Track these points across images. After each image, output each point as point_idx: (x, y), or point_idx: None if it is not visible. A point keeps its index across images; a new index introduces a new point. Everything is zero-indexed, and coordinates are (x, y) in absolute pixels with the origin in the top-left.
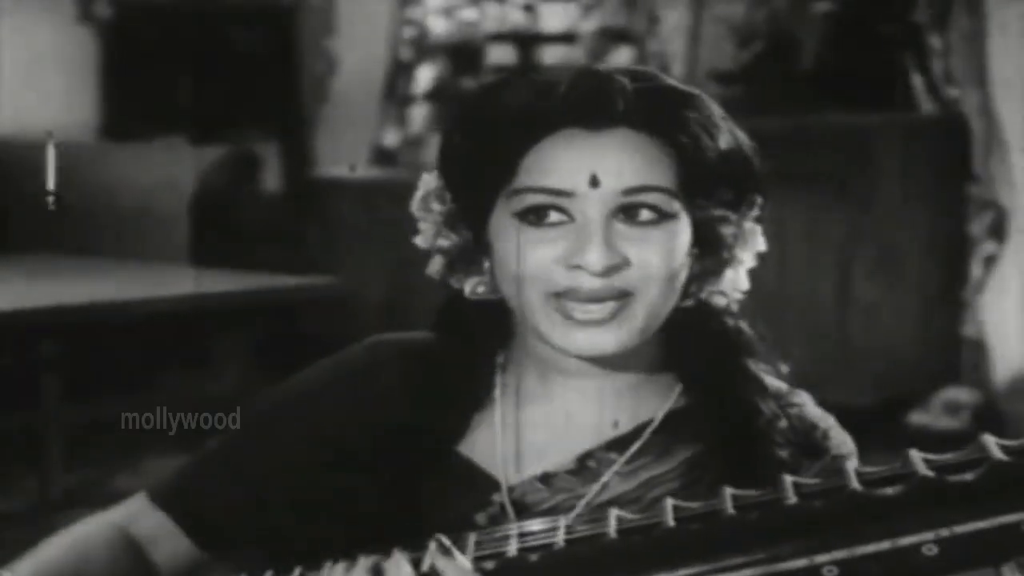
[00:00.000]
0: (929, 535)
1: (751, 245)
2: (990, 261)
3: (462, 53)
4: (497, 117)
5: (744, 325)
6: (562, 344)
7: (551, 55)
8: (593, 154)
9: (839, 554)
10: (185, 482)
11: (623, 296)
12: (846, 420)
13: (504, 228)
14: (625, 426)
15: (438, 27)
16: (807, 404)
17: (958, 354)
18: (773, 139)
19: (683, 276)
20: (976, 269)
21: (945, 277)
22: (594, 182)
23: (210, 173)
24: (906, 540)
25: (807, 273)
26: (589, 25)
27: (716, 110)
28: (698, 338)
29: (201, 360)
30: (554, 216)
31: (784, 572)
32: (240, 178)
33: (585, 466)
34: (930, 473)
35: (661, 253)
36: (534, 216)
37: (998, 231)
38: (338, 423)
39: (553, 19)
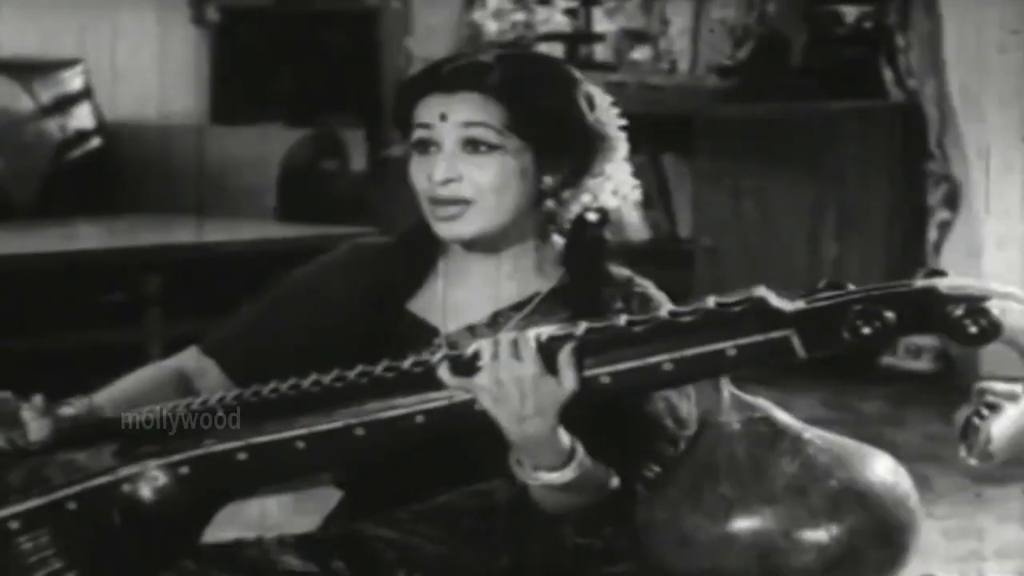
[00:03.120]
0: (666, 356)
1: (604, 177)
2: (944, 226)
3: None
4: (404, 87)
5: (606, 235)
6: (438, 232)
7: (599, 53)
8: (445, 104)
9: (606, 368)
10: (225, 336)
11: (463, 202)
12: (819, 362)
13: (411, 160)
14: (522, 294)
15: (491, 28)
16: (649, 287)
17: None
18: (760, 123)
19: (519, 191)
20: (932, 233)
21: (907, 240)
22: (443, 117)
23: (295, 150)
24: (652, 359)
25: (783, 233)
26: (613, 27)
27: (551, 84)
28: (575, 241)
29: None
30: (432, 149)
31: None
32: (322, 155)
33: (496, 321)
34: (667, 316)
35: (490, 173)
36: (421, 147)
37: (951, 201)
38: (330, 297)
39: (600, 22)
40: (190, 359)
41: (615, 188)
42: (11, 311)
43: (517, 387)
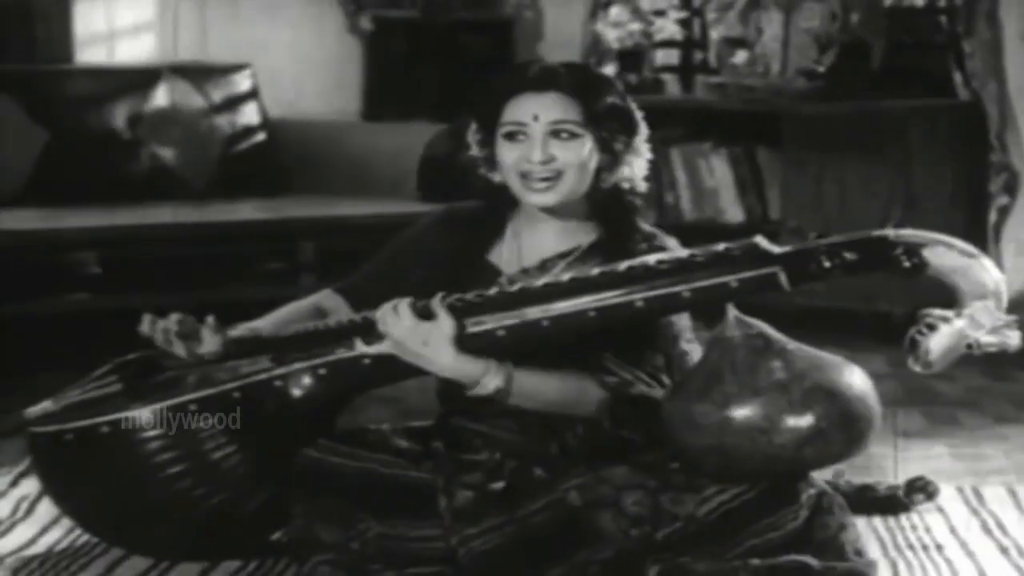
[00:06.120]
0: (684, 287)
1: (638, 154)
2: (1004, 210)
3: (628, 56)
4: (494, 86)
5: (637, 200)
6: (530, 200)
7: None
8: (536, 104)
9: (641, 295)
10: (354, 280)
11: (557, 175)
12: (885, 328)
13: (500, 145)
14: (567, 246)
15: (611, 36)
16: (669, 242)
17: None
18: (841, 119)
19: (591, 168)
20: (993, 216)
21: (969, 221)
22: (535, 118)
23: (435, 142)
24: (676, 288)
25: (859, 215)
26: (715, 35)
27: (607, 87)
28: (611, 204)
29: None
30: (520, 137)
31: (616, 304)
32: (459, 147)
33: (545, 266)
34: (686, 256)
35: (573, 154)
36: (510, 136)
37: (1011, 188)
38: (430, 249)
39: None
40: (327, 297)
41: (641, 163)
42: (188, 269)
43: (404, 336)
